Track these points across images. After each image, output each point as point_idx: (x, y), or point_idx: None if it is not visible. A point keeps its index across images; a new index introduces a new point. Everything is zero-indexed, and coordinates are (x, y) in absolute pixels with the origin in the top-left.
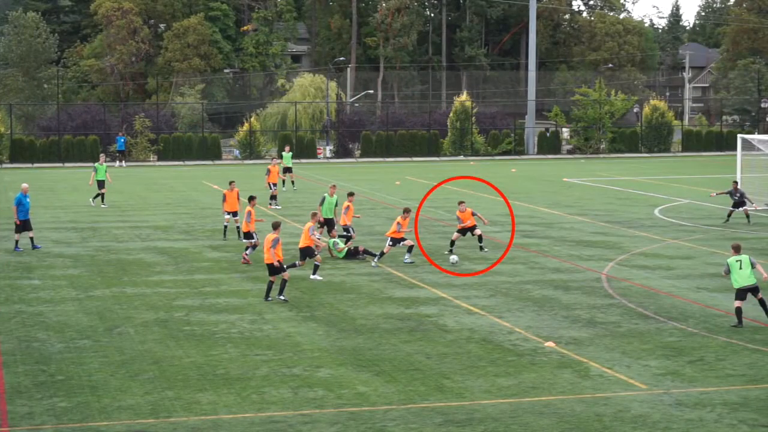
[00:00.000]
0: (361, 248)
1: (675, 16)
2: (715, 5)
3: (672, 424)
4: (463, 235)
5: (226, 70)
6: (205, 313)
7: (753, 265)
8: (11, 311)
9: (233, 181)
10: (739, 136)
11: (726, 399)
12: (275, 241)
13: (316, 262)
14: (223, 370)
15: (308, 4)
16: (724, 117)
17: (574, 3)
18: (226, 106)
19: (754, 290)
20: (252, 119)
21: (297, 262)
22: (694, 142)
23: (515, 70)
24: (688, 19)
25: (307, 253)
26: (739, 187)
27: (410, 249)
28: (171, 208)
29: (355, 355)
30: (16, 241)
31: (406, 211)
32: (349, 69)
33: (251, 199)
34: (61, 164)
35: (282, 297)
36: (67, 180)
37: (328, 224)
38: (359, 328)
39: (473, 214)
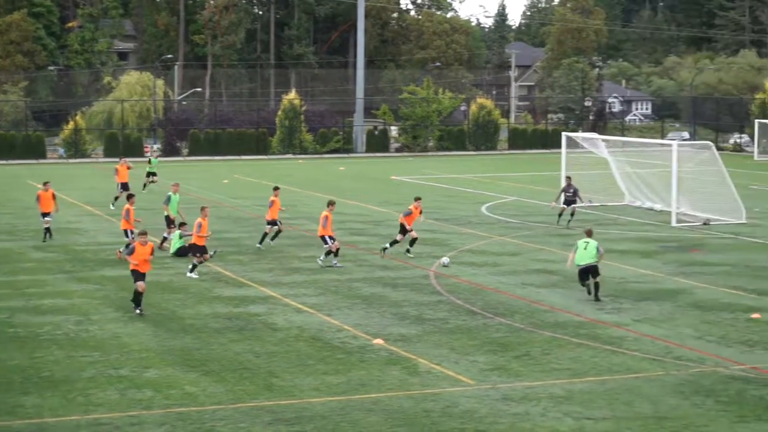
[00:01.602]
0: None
1: (501, 15)
2: (540, 5)
3: (499, 419)
4: (404, 234)
5: (50, 68)
6: (29, 315)
7: (598, 250)
8: None
9: (48, 182)
10: (563, 134)
11: (551, 393)
12: (132, 249)
13: (196, 261)
14: (48, 373)
15: (135, 0)
16: (549, 115)
17: (402, 2)
18: (50, 104)
19: (593, 270)
20: (77, 117)
21: (195, 260)
22: (520, 140)
23: (344, 69)
24: (514, 18)
25: (198, 249)
26: (572, 183)
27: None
28: None
29: (183, 356)
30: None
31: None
32: (176, 67)
33: (130, 197)
34: None
35: (139, 310)
36: None
37: (171, 222)
38: (187, 328)
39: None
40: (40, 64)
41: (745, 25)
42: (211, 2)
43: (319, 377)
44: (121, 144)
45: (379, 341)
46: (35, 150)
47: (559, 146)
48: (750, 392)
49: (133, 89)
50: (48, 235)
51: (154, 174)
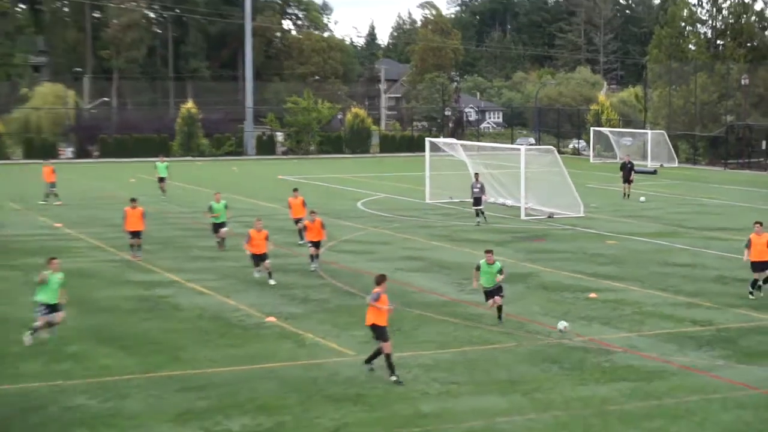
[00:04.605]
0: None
1: (371, 35)
2: (405, 26)
3: (376, 384)
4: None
5: None
6: None
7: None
8: None
9: None
10: (427, 139)
11: (420, 362)
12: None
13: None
14: None
15: (48, 20)
16: (414, 123)
17: (284, 22)
18: None
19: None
20: None
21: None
22: (389, 145)
23: (234, 81)
24: (383, 38)
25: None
26: (480, 179)
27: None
28: None
29: (98, 333)
30: None
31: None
32: (85, 78)
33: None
34: None
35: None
36: None
37: (217, 227)
38: (103, 308)
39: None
40: None
41: (581, 45)
42: (115, 21)
43: (220, 350)
44: (38, 148)
45: (271, 319)
46: None
47: (423, 150)
48: (589, 360)
49: (47, 99)
50: None
51: (163, 180)
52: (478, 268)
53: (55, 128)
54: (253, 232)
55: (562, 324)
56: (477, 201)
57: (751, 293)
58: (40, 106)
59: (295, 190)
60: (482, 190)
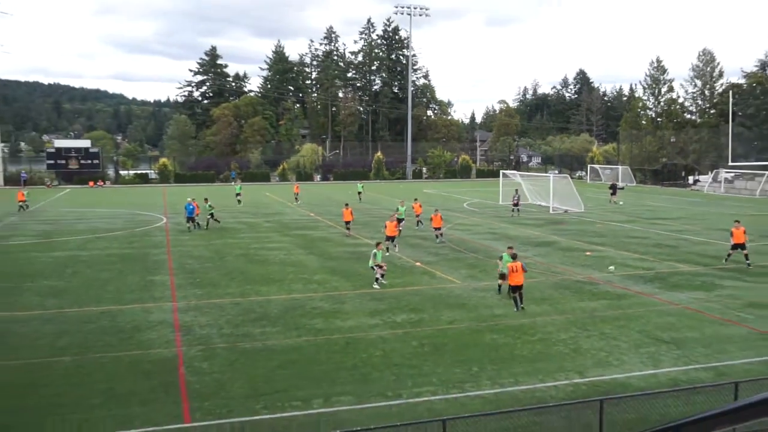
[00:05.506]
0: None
1: (472, 117)
2: (490, 112)
3: (472, 299)
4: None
5: (272, 141)
6: (263, 250)
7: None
8: (176, 251)
9: (193, 198)
10: (501, 171)
11: (494, 287)
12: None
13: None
14: (272, 277)
15: (309, 111)
16: (494, 162)
17: (428, 111)
18: (272, 157)
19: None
20: (284, 164)
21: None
22: (481, 174)
23: (402, 142)
24: (479, 118)
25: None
26: (517, 192)
27: None
28: (239, 201)
29: (331, 269)
30: (188, 227)
31: None
32: (327, 140)
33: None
34: (196, 184)
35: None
36: (201, 192)
37: (399, 221)
38: (333, 257)
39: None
40: (268, 139)
41: (583, 121)
42: (343, 112)
43: (391, 279)
44: (303, 175)
45: (418, 263)
46: (265, 178)
47: (498, 176)
48: (585, 287)
49: (308, 151)
50: (198, 225)
51: (359, 193)
52: (501, 258)
53: (311, 166)
54: (388, 222)
55: (612, 267)
56: (515, 204)
57: (725, 260)
58: (304, 154)
59: (416, 199)
60: (519, 198)
